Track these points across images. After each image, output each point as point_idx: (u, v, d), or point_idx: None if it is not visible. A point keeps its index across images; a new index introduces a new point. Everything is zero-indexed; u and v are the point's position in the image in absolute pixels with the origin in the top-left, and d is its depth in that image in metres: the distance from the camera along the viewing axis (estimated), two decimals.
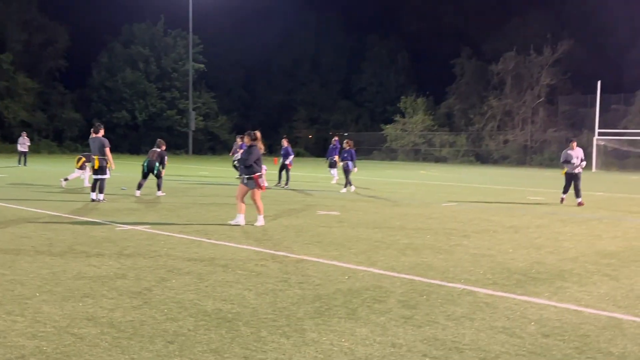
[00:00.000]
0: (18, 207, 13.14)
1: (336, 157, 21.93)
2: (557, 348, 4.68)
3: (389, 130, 63.28)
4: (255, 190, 10.99)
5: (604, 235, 10.83)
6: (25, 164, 31.44)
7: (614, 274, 7.46)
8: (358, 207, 14.73)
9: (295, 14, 78.11)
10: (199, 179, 24.39)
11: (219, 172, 30.48)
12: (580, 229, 11.49)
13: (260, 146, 11.13)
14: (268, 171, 21.83)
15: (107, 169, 14.41)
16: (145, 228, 10.31)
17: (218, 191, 18.53)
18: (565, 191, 16.56)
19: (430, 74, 70.44)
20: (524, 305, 5.91)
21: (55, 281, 6.40)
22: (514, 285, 6.72)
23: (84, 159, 18.36)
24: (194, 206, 14.09)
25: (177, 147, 59.39)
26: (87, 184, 18.62)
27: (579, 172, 16.38)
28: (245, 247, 8.72)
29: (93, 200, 14.33)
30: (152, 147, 17.11)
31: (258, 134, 11.22)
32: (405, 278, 6.93)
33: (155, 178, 16.62)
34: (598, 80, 46.24)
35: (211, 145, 67.05)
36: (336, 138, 23.39)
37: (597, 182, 27.70)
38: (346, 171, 19.62)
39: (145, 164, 16.33)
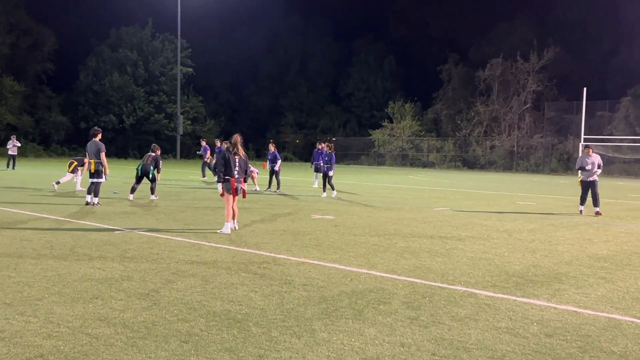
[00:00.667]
0: (13, 210, 13.12)
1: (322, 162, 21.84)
2: (560, 347, 4.83)
3: (376, 135, 63.57)
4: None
5: (595, 239, 11.03)
6: (14, 168, 31.27)
7: (609, 276, 7.64)
8: (352, 211, 14.86)
9: (282, 19, 78.43)
10: (190, 183, 24.39)
11: (209, 176, 30.47)
12: (572, 234, 11.70)
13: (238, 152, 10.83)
14: (259, 175, 22.01)
15: (103, 174, 14.45)
16: (144, 231, 10.37)
17: (210, 195, 18.58)
18: (583, 202, 15.63)
19: (417, 79, 70.95)
20: (525, 306, 6.05)
21: (62, 283, 6.45)
22: (513, 287, 6.88)
23: (75, 162, 18.37)
24: (188, 210, 14.15)
25: (165, 151, 59.22)
26: (79, 187, 18.61)
27: (595, 180, 15.39)
28: (245, 250, 8.81)
29: (88, 203, 14.32)
30: (143, 152, 17.14)
31: (234, 138, 10.97)
32: (406, 280, 7.06)
33: (148, 182, 16.63)
34: (584, 87, 46.80)
35: (199, 149, 66.93)
36: (321, 144, 23.24)
37: None
38: (325, 175, 19.59)
39: (140, 168, 16.34)
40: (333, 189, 19.68)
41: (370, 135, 64.16)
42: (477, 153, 58.18)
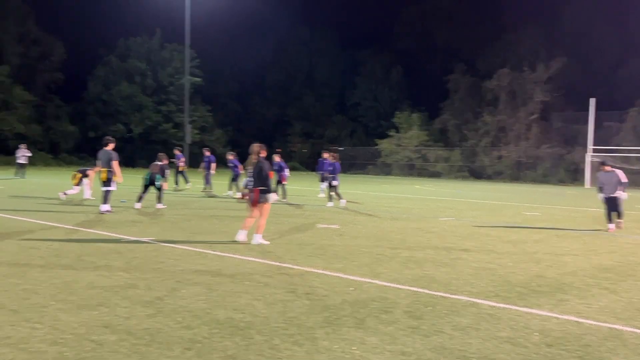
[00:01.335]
0: (22, 218, 13.25)
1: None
2: (560, 357, 4.85)
3: (383, 145, 63.59)
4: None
5: (600, 250, 11.03)
6: (23, 177, 31.42)
7: (613, 287, 7.65)
8: (357, 220, 14.90)
9: (289, 30, 78.77)
10: (197, 192, 24.49)
11: (216, 185, 30.59)
12: (577, 244, 11.70)
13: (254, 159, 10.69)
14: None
15: (114, 181, 14.64)
16: (150, 240, 10.45)
17: (217, 204, 18.67)
18: (610, 219, 14.48)
19: (424, 89, 70.96)
20: (527, 316, 6.08)
21: (68, 290, 6.53)
22: (515, 297, 6.90)
23: (80, 175, 18.48)
24: (195, 218, 14.23)
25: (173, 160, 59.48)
26: (87, 196, 18.74)
27: (617, 196, 14.27)
28: (250, 259, 8.87)
29: (108, 211, 14.67)
30: (151, 161, 17.28)
31: (256, 147, 10.87)
32: (409, 290, 7.10)
33: (155, 191, 16.74)
34: (591, 97, 46.79)
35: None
36: (325, 153, 23.06)
37: (591, 199, 27.99)
38: (331, 185, 19.65)
39: (147, 177, 16.47)
40: (340, 198, 19.72)
41: (377, 145, 64.19)
42: (484, 163, 58.09)
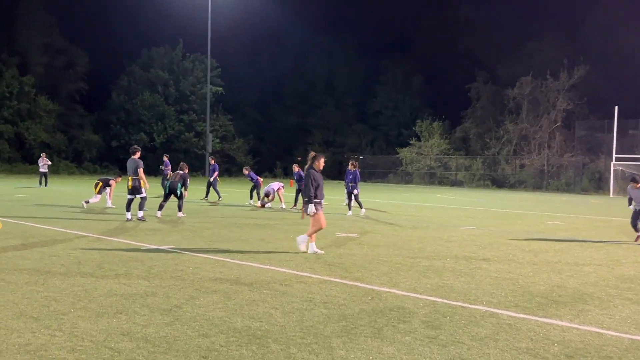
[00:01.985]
0: (44, 226, 13.42)
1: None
2: None
3: (404, 153, 63.37)
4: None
5: (623, 260, 10.87)
6: (46, 185, 31.92)
7: (636, 298, 7.53)
8: (377, 229, 14.85)
9: (309, 38, 79.06)
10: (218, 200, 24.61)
11: (237, 194, 30.76)
12: (599, 254, 11.54)
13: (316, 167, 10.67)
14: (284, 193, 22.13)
15: (142, 189, 14.93)
16: (170, 248, 10.52)
17: (237, 212, 18.75)
18: (637, 228, 14.04)
19: (445, 97, 70.72)
20: (547, 327, 6.01)
21: (88, 298, 6.60)
22: (535, 307, 6.82)
23: (101, 183, 18.76)
24: (215, 227, 14.30)
25: (194, 169, 59.88)
26: (110, 204, 18.95)
27: None
28: (268, 267, 8.89)
29: (128, 220, 14.93)
30: (173, 170, 17.45)
31: (311, 154, 10.83)
32: (427, 299, 7.05)
33: (176, 199, 16.88)
34: (615, 105, 46.22)
35: (227, 167, 67.60)
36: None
37: (615, 208, 27.62)
38: (350, 194, 19.64)
39: (168, 186, 16.61)
40: (361, 207, 19.70)
41: (398, 153, 64.01)
42: (506, 172, 57.61)
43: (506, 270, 9.29)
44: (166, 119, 62.71)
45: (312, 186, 10.46)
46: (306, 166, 10.80)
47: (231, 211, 19.46)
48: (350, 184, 19.59)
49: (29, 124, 56.16)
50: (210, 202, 23.16)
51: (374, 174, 63.33)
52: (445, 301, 6.99)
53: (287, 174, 62.16)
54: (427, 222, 17.27)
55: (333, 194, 33.13)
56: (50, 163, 34.32)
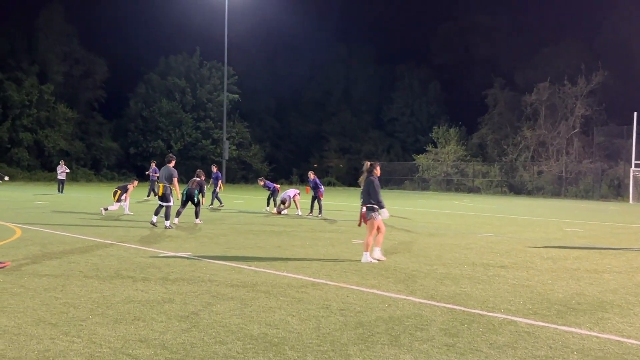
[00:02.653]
0: (63, 233, 13.55)
1: None
2: None
3: (420, 160, 63.22)
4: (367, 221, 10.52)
5: None
6: (62, 192, 32.26)
7: None
8: (393, 236, 14.80)
9: (326, 46, 79.35)
10: (234, 207, 24.70)
11: (254, 200, 30.85)
12: (619, 261, 11.40)
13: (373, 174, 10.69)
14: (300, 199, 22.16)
15: (171, 197, 15.09)
16: (187, 254, 10.57)
17: (253, 219, 18.79)
18: None
19: (462, 104, 70.56)
20: (566, 335, 5.94)
21: (106, 304, 6.64)
22: (554, 315, 6.75)
23: (120, 191, 18.89)
24: (231, 234, 14.34)
25: (211, 176, 60.17)
26: (127, 211, 19.09)
27: None
28: (285, 274, 8.89)
29: (153, 223, 15.24)
30: (190, 177, 17.56)
31: (367, 164, 10.86)
32: (445, 307, 7.01)
33: (193, 206, 16.96)
34: (634, 111, 45.78)
35: (244, 174, 67.87)
36: None
37: (635, 214, 27.30)
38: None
39: (185, 192, 16.69)
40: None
41: (414, 160, 63.87)
42: (524, 178, 57.22)
43: (524, 277, 9.22)
44: (183, 126, 63.17)
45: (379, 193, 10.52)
46: (364, 176, 10.72)
47: (247, 218, 19.51)
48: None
49: (48, 131, 56.85)
50: (213, 208, 23.28)
51: (390, 181, 63.22)
52: (463, 309, 6.94)
53: (302, 181, 62.21)
54: (444, 229, 17.19)
55: (349, 200, 33.09)
56: (68, 170, 34.73)
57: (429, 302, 7.26)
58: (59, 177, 33.16)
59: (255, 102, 73.96)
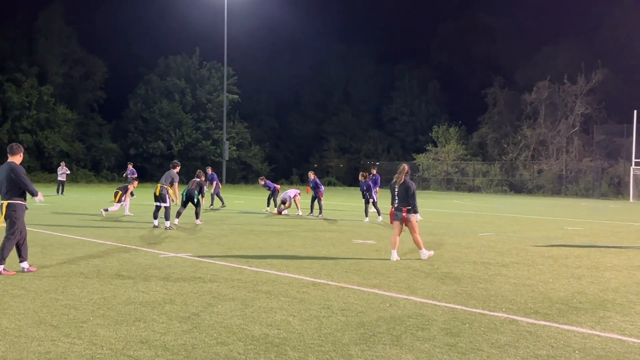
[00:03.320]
0: (63, 234, 13.54)
1: (377, 189, 21.24)
2: None
3: (421, 159, 63.18)
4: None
5: None
6: (62, 193, 32.23)
7: None
8: None
9: (326, 46, 79.31)
10: (235, 207, 24.69)
11: (254, 201, 30.85)
12: (619, 260, 11.39)
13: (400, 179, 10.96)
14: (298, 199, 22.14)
15: (168, 199, 15.24)
16: (188, 255, 10.56)
17: (254, 220, 18.79)
18: None
19: (462, 103, 70.48)
20: (567, 334, 5.93)
21: (107, 306, 6.63)
22: (556, 314, 6.74)
23: (120, 192, 18.88)
24: (232, 234, 14.33)
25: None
26: (127, 212, 19.09)
27: None
28: (285, 274, 8.88)
29: (155, 227, 15.28)
30: (190, 177, 17.56)
31: (405, 166, 11.27)
32: (446, 306, 7.00)
33: (193, 207, 16.96)
34: (634, 109, 45.75)
35: (244, 174, 67.83)
36: (375, 170, 22.40)
37: (635, 213, 27.29)
38: (367, 201, 19.69)
39: (185, 193, 16.69)
40: (379, 214, 19.67)
41: (415, 159, 63.82)
42: (524, 177, 57.16)
43: (525, 276, 9.21)
44: (183, 126, 63.10)
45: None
46: (401, 177, 11.00)
47: (248, 218, 19.50)
48: (367, 192, 19.63)
49: (47, 133, 56.79)
50: (213, 208, 23.28)
51: (390, 180, 62.95)
52: (464, 308, 6.93)
53: (303, 181, 62.20)
54: (444, 229, 17.18)
55: (349, 200, 33.09)
56: (69, 172, 34.69)
57: (430, 301, 7.26)
58: (59, 178, 33.09)
59: (255, 102, 73.89)
